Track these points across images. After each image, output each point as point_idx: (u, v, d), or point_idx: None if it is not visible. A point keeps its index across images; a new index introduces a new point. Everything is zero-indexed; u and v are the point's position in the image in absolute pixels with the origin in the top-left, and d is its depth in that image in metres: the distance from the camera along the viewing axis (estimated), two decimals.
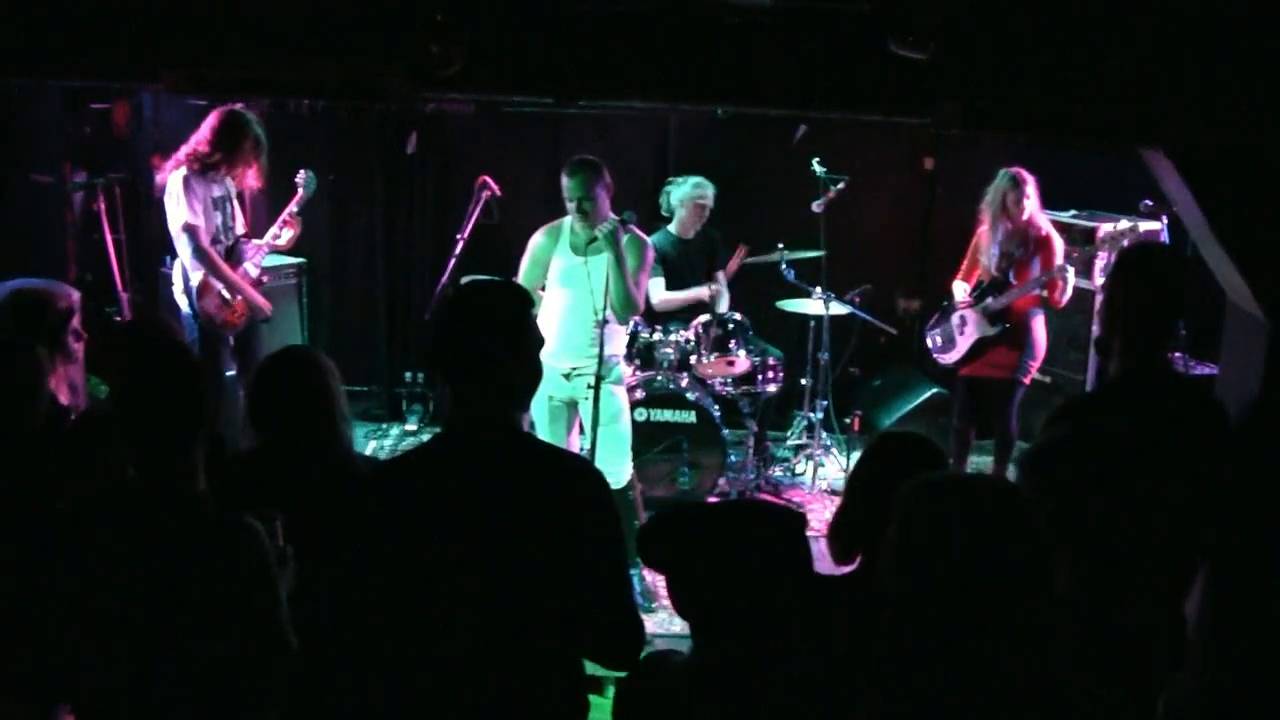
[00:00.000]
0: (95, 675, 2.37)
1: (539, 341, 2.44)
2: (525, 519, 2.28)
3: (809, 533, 2.02)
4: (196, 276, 5.25)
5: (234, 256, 5.44)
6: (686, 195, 6.39)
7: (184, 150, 5.25)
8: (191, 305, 5.29)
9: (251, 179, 5.42)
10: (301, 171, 5.72)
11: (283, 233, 5.62)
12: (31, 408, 3.00)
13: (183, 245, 5.20)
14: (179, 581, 2.31)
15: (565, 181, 4.79)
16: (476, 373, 2.33)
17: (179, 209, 5.18)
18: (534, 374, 2.42)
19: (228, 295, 5.34)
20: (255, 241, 5.59)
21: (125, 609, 2.32)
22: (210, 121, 5.28)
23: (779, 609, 1.87)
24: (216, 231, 5.34)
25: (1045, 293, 5.59)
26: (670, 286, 6.42)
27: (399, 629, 2.33)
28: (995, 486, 1.82)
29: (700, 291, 6.37)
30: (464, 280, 5.40)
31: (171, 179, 5.22)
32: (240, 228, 5.56)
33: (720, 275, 6.60)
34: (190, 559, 2.32)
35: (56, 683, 2.46)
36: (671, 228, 6.51)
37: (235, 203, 5.52)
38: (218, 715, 2.38)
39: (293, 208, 5.63)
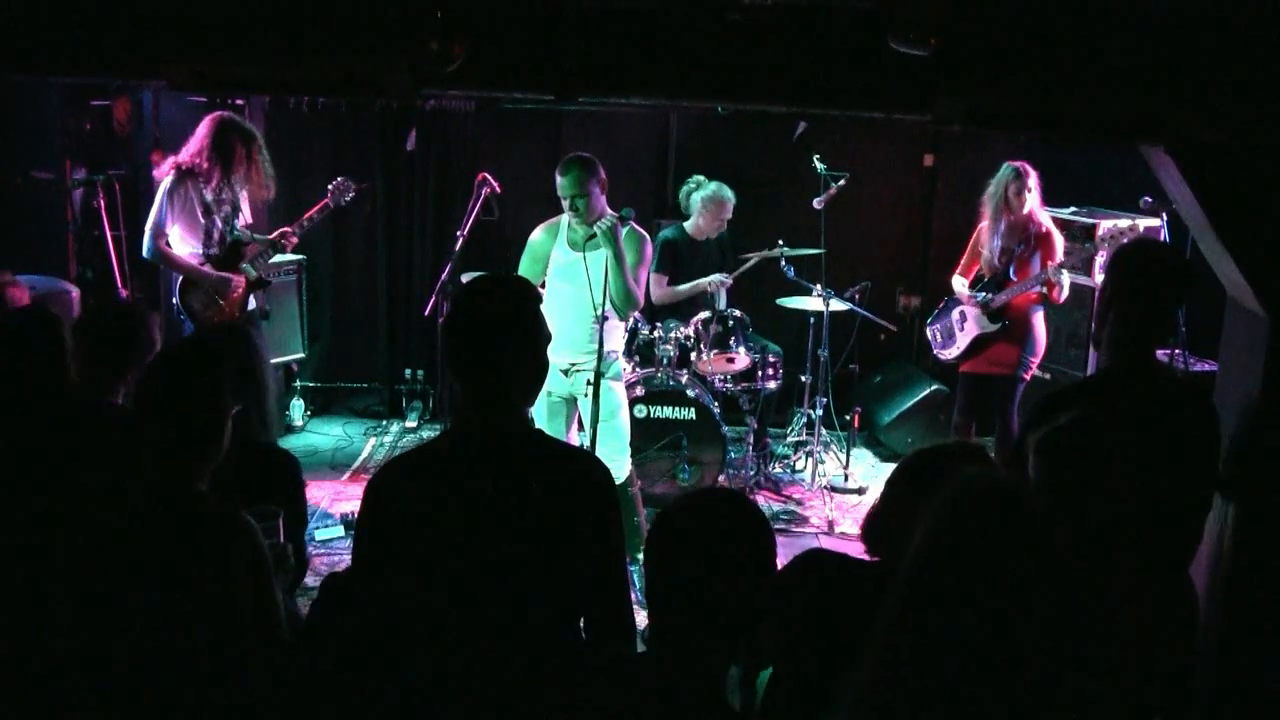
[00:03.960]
0: (88, 670, 2.37)
1: (546, 336, 2.46)
2: (532, 513, 2.30)
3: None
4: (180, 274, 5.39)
5: (235, 258, 5.47)
6: (707, 201, 6.37)
7: (178, 157, 5.37)
8: (178, 301, 5.40)
9: (259, 185, 5.47)
10: (339, 180, 5.73)
11: (281, 239, 5.65)
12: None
13: (145, 241, 5.35)
14: (170, 577, 2.31)
15: (558, 179, 4.79)
16: (485, 368, 2.34)
17: (153, 210, 5.35)
18: (541, 368, 2.44)
19: (217, 295, 5.39)
20: (258, 237, 5.62)
21: (118, 605, 2.33)
22: (200, 131, 5.38)
23: (732, 595, 1.89)
24: (208, 236, 5.39)
25: (1045, 290, 5.60)
26: (675, 283, 6.42)
27: (405, 620, 2.34)
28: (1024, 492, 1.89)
29: (701, 283, 6.37)
30: (465, 277, 5.42)
31: (164, 181, 5.37)
32: (245, 232, 5.57)
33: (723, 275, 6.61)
34: (182, 555, 2.32)
35: (50, 677, 2.46)
36: (686, 225, 6.52)
37: (241, 207, 5.54)
38: (211, 710, 2.38)
39: (314, 214, 5.67)
